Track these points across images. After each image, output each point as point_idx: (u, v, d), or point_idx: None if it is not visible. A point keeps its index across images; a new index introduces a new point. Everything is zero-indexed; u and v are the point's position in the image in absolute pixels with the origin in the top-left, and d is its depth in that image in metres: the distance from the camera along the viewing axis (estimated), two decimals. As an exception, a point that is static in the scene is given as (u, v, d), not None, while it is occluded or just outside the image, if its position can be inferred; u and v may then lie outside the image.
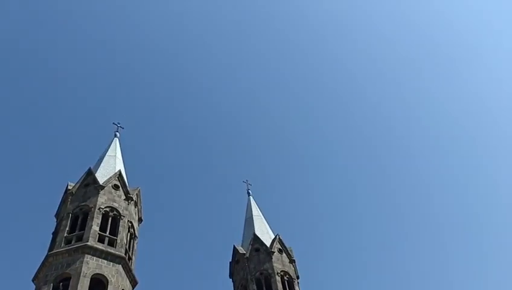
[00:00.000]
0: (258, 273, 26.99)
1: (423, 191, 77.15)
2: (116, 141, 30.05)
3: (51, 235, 22.75)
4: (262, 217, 32.57)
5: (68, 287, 18.48)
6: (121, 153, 29.15)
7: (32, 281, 20.29)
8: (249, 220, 31.92)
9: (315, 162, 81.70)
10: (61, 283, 18.84)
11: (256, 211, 32.86)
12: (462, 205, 76.18)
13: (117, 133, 30.96)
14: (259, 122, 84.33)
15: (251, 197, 34.91)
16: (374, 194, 79.15)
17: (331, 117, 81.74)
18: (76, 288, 18.31)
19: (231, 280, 29.01)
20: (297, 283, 27.54)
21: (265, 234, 30.10)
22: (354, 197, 79.44)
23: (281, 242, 29.23)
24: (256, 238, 29.06)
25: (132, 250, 22.94)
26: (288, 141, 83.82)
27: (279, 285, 26.12)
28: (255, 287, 26.29)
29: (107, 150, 28.68)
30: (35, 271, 20.25)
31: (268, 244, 28.53)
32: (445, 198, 76.11)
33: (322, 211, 79.33)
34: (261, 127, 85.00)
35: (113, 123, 31.61)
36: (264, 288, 26.18)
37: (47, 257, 20.14)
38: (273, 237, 29.72)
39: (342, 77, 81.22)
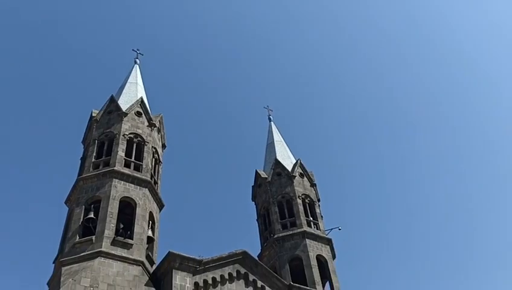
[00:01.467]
0: (279, 197, 27.69)
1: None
2: (137, 68, 29.95)
3: (80, 161, 23.52)
4: (284, 142, 32.82)
5: (99, 209, 19.42)
6: (142, 79, 29.17)
7: (65, 203, 21.33)
8: (271, 146, 32.25)
9: (336, 86, 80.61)
10: (92, 205, 19.77)
11: (277, 137, 33.08)
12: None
13: (137, 60, 30.78)
14: (280, 47, 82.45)
15: (272, 122, 35.00)
16: (395, 121, 78.52)
17: (352, 41, 79.37)
18: (107, 210, 19.21)
19: (254, 203, 29.90)
20: (318, 205, 28.25)
21: (287, 158, 30.49)
22: (375, 121, 79.04)
23: (302, 166, 29.65)
24: (277, 163, 29.52)
25: (157, 175, 23.63)
26: (309, 66, 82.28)
27: (301, 207, 26.85)
28: (276, 209, 27.08)
29: (128, 77, 28.69)
30: (67, 194, 21.26)
31: (289, 169, 28.99)
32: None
33: (343, 136, 79.52)
34: (282, 52, 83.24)
35: (133, 50, 31.37)
36: (286, 211, 26.96)
37: (77, 180, 21.00)
38: (294, 161, 30.09)
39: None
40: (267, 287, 20.18)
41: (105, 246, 17.98)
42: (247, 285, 19.86)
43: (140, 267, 18.16)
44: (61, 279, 16.21)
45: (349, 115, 79.59)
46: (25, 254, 63.92)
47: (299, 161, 29.82)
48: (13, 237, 63.82)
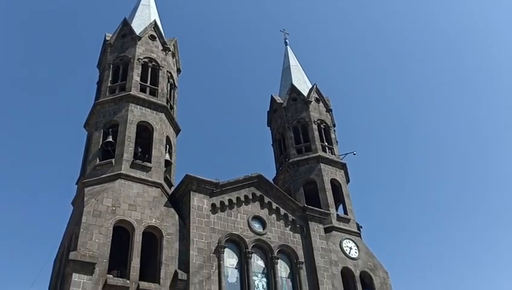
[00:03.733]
0: (295, 122, 27.74)
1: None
2: (149, -11, 29.00)
3: (96, 85, 23.60)
4: (300, 67, 32.27)
5: (117, 133, 19.77)
6: (155, 1, 28.35)
7: (84, 127, 21.73)
8: (286, 70, 31.77)
9: (356, 7, 77.58)
10: (110, 129, 20.11)
11: (293, 61, 32.48)
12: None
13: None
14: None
15: (288, 46, 34.24)
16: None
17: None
18: (125, 134, 19.55)
19: (269, 128, 30.07)
20: (334, 131, 28.30)
21: (303, 83, 30.14)
22: (397, 45, 76.72)
23: (318, 92, 29.36)
24: (293, 88, 29.25)
25: (173, 99, 23.70)
26: (327, -12, 78.77)
27: (316, 133, 26.95)
28: (292, 134, 27.25)
29: (140, -1, 27.88)
30: (86, 118, 21.59)
31: (305, 94, 28.75)
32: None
33: (360, 61, 77.77)
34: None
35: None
36: (301, 136, 27.12)
37: (94, 105, 21.22)
38: (310, 86, 29.77)
39: None
40: (281, 209, 20.82)
41: (125, 168, 18.52)
42: (262, 207, 20.49)
43: (159, 189, 18.77)
44: (85, 199, 16.91)
45: (369, 38, 77.29)
46: (49, 176, 66.40)
47: (315, 86, 29.48)
48: (38, 161, 66.00)
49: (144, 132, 20.60)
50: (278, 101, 29.20)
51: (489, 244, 66.21)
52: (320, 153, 25.89)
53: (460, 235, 68.11)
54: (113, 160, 18.80)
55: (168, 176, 20.24)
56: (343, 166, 26.17)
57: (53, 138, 67.07)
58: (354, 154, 27.18)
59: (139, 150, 20.30)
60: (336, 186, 25.05)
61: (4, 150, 63.23)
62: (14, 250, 61.49)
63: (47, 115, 66.94)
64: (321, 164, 25.31)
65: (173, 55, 25.14)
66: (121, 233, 16.88)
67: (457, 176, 71.19)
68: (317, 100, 28.89)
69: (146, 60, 22.99)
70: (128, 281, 15.50)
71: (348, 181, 26.09)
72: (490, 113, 71.43)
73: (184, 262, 16.88)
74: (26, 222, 63.58)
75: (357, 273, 21.43)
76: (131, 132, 19.74)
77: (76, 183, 19.80)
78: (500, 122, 69.30)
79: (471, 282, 65.88)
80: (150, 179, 18.76)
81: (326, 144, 26.95)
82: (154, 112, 21.10)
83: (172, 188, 20.09)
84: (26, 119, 64.80)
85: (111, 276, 15.59)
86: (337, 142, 27.75)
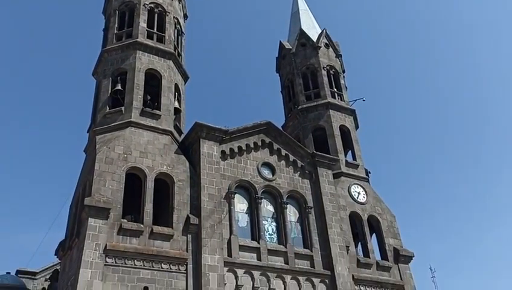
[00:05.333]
0: (304, 68, 27.38)
1: None
2: None
3: (102, 32, 23.26)
4: (309, 11, 31.39)
5: (126, 81, 19.72)
6: None
7: (93, 75, 21.66)
8: (295, 15, 30.96)
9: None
10: (119, 77, 20.04)
11: (302, 5, 31.56)
12: None
13: None
14: None
15: (297, -11, 33.16)
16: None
17: None
18: (133, 82, 19.50)
19: (278, 74, 29.75)
20: (343, 76, 27.96)
21: (312, 28, 29.44)
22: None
23: (327, 37, 28.72)
24: (302, 33, 28.62)
25: (180, 46, 23.38)
26: None
27: (325, 79, 26.64)
28: (301, 81, 26.99)
29: None
30: (94, 66, 21.47)
31: (314, 39, 28.16)
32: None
33: (369, 4, 75.50)
34: None
35: None
36: (310, 82, 26.84)
37: (102, 53, 21.01)
38: (319, 31, 29.10)
39: None
40: (290, 156, 20.99)
41: (135, 116, 18.61)
42: (271, 153, 20.67)
43: (169, 136, 18.94)
44: (97, 146, 17.15)
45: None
46: (62, 125, 67.10)
47: (324, 31, 28.81)
48: (49, 110, 66.49)
49: (153, 80, 20.51)
50: (286, 47, 28.70)
51: (493, 189, 66.86)
52: (330, 99, 25.73)
53: (465, 179, 68.69)
54: (122, 108, 18.88)
55: (177, 123, 20.35)
56: (352, 112, 26.07)
57: (63, 86, 67.13)
58: (364, 100, 27.03)
59: (148, 98, 20.31)
60: (344, 133, 25.08)
61: (18, 100, 63.63)
62: (33, 195, 63.35)
63: (58, 62, 66.68)
64: (330, 110, 25.21)
65: (179, 0, 24.54)
66: (134, 180, 17.23)
67: (463, 123, 70.82)
68: (326, 45, 28.33)
69: (152, 5, 22.48)
70: (142, 225, 16.00)
71: (357, 127, 26.08)
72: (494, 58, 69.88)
73: (195, 207, 17.31)
74: (44, 169, 65.03)
75: (364, 217, 21.87)
76: (139, 80, 19.67)
77: (88, 132, 20.01)
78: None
79: (474, 225, 67.10)
80: (159, 126, 18.89)
81: (335, 90, 26.71)
82: (162, 59, 20.90)
83: (182, 136, 20.25)
84: (39, 69, 64.69)
85: (125, 220, 16.09)
86: (346, 88, 27.49)
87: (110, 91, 19.65)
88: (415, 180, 70.76)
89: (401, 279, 20.77)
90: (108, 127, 18.32)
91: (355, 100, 26.86)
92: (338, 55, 28.61)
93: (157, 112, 19.32)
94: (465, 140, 71.07)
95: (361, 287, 19.42)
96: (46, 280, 25.67)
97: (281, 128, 22.34)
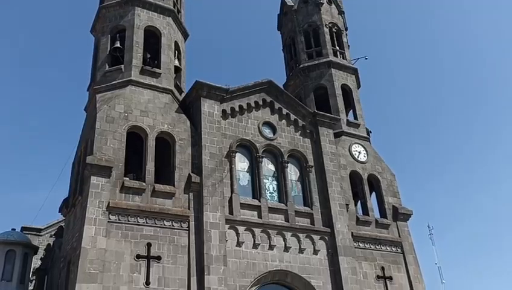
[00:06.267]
0: (306, 25, 26.87)
1: None
2: None
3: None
4: (312, -34, 30.49)
5: (125, 39, 19.40)
6: None
7: (91, 32, 21.29)
8: (298, -30, 30.10)
9: None
10: (117, 35, 19.70)
11: (305, -40, 30.62)
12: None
13: None
14: None
15: None
16: None
17: None
18: (132, 39, 19.19)
19: (279, 32, 29.23)
20: (346, 34, 27.49)
21: (314, -15, 28.66)
22: None
23: (330, -7, 28.02)
24: (304, -10, 27.89)
25: (180, 3, 22.86)
26: None
27: (327, 36, 26.20)
28: (302, 38, 26.56)
29: None
30: (92, 23, 21.07)
31: (317, -5, 27.47)
32: None
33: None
34: None
35: None
36: (312, 40, 26.41)
37: (99, 9, 20.53)
38: (322, -11, 28.30)
39: None
40: (291, 115, 20.92)
41: (135, 75, 18.42)
42: (272, 112, 20.60)
43: (169, 95, 18.82)
44: (97, 105, 17.07)
45: None
46: (63, 83, 66.67)
47: (327, -11, 28.05)
48: (49, 68, 65.85)
49: (152, 38, 20.17)
50: (288, 4, 28.07)
51: (494, 145, 67.09)
52: (332, 57, 25.40)
53: (464, 140, 68.80)
54: (122, 66, 18.66)
55: (177, 82, 20.18)
56: (354, 71, 25.79)
57: (62, 44, 66.22)
58: (366, 58, 26.69)
59: (148, 56, 20.04)
60: (346, 92, 24.91)
61: (18, 58, 62.92)
62: (36, 153, 63.73)
63: (57, 19, 65.51)
64: (332, 69, 24.93)
65: (178, -46, 23.76)
66: (135, 139, 17.26)
67: (462, 83, 70.24)
68: (329, 2, 27.69)
69: (150, -40, 21.76)
70: (144, 184, 16.15)
71: (358, 86, 25.87)
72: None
73: (197, 166, 17.41)
74: (46, 127, 65.13)
75: (365, 176, 22.05)
76: (139, 37, 19.35)
77: (88, 90, 19.88)
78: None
79: (473, 184, 67.73)
80: (160, 85, 18.74)
81: (337, 48, 26.33)
82: (161, 16, 20.47)
83: (183, 95, 20.12)
84: (38, 26, 63.61)
85: (127, 179, 16.23)
86: (348, 46, 27.08)
87: (109, 49, 19.37)
88: (415, 140, 70.93)
89: (399, 236, 21.16)
90: (108, 85, 18.17)
91: (358, 59, 26.57)
92: (341, 12, 28.02)
93: (157, 70, 19.11)
94: (465, 99, 70.70)
95: (360, 244, 19.80)
96: (51, 236, 26.23)
97: (282, 88, 22.16)
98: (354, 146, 22.70)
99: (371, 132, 24.53)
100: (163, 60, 19.52)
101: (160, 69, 19.20)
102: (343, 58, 26.07)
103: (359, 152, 22.65)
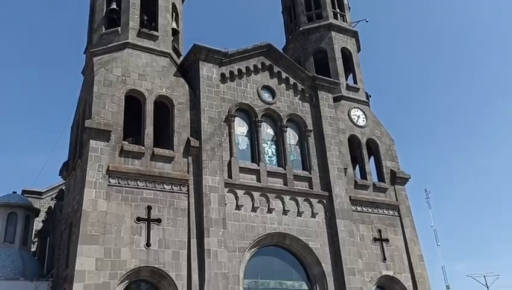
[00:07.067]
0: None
1: None
2: None
3: None
4: None
5: (121, 0, 18.93)
6: None
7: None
8: None
9: None
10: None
11: None
12: None
13: None
14: None
15: None
16: None
17: None
18: (129, 0, 18.77)
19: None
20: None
21: None
22: None
23: (331, -47, 27.19)
24: None
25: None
26: None
27: (328, -2, 25.65)
28: (302, 0, 25.83)
29: None
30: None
31: (317, -44, 26.69)
32: None
33: None
34: None
35: None
36: (312, 2, 25.73)
37: (95, -31, 20.04)
38: None
39: None
40: (291, 79, 20.74)
41: (132, 37, 18.13)
42: (271, 76, 20.42)
43: (167, 58, 18.58)
44: (94, 68, 16.88)
45: None
46: (61, 45, 65.72)
47: None
48: (46, 30, 64.80)
49: (149, -1, 19.73)
50: None
51: (489, 112, 67.06)
52: (332, 20, 24.95)
53: (461, 104, 68.63)
54: (119, 28, 18.34)
55: (175, 45, 19.88)
56: (354, 34, 25.40)
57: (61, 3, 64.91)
58: (367, 21, 26.21)
59: (145, 18, 19.66)
60: (346, 55, 24.61)
61: (16, 22, 61.79)
62: (35, 118, 63.57)
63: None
64: (332, 32, 24.54)
65: None
66: (133, 104, 17.16)
67: (460, 46, 69.42)
68: (329, -38, 26.92)
69: None
70: (143, 148, 16.18)
71: (358, 50, 25.54)
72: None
73: (196, 130, 17.40)
74: (44, 89, 64.67)
75: (363, 141, 22.09)
76: (135, -2, 18.91)
77: (84, 53, 19.60)
78: None
79: (472, 148, 68.03)
80: (157, 48, 18.48)
81: (338, 10, 25.83)
82: None
83: (181, 58, 19.87)
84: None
85: (126, 143, 16.25)
86: (349, 8, 26.55)
87: (105, 10, 18.99)
88: (415, 105, 70.71)
89: (396, 200, 21.40)
90: (105, 48, 17.90)
91: (358, 21, 26.11)
92: (341, -28, 27.29)
93: (155, 32, 18.80)
94: (461, 63, 70.06)
95: (358, 207, 20.05)
96: (52, 199, 26.49)
97: (281, 51, 21.89)
98: (353, 110, 22.63)
99: (370, 96, 24.41)
100: (161, 23, 19.16)
101: (157, 31, 18.89)
102: (343, 21, 25.62)
103: (358, 116, 22.60)
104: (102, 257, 13.90)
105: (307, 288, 17.82)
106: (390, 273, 19.50)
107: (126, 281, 14.40)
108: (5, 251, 18.39)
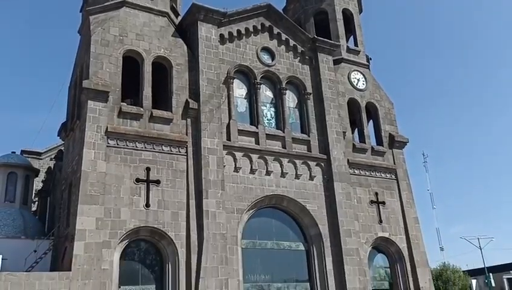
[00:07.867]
0: None
1: None
2: None
3: None
4: None
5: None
6: None
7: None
8: None
9: None
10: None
11: None
12: None
13: None
14: None
15: None
16: None
17: None
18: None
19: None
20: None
21: None
22: None
23: None
24: None
25: None
26: None
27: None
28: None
29: None
30: None
31: None
32: None
33: None
34: None
35: None
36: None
37: None
38: None
39: None
40: (291, 40, 20.44)
41: (129, -5, 17.71)
42: (271, 38, 20.12)
43: (165, 18, 18.22)
44: (91, 28, 16.56)
45: None
46: (56, 3, 64.29)
47: None
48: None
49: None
50: None
51: (489, 79, 66.57)
52: (333, -20, 24.34)
53: (461, 69, 68.02)
54: (115, -15, 17.87)
55: (173, 4, 19.45)
56: (356, -5, 24.84)
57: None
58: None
59: (142, -25, 19.09)
60: (347, 17, 24.16)
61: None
62: (31, 78, 63.04)
63: None
64: (334, -9, 23.98)
65: None
66: (131, 64, 16.95)
67: (462, 13, 68.14)
68: None
69: None
70: (141, 109, 16.11)
71: (360, 11, 25.07)
72: None
73: (194, 92, 17.28)
74: (40, 49, 63.83)
75: (363, 104, 22.00)
76: None
77: (81, 11, 19.19)
78: None
79: (470, 113, 67.94)
80: (155, 7, 18.08)
81: (340, -30, 25.13)
82: None
83: (179, 18, 19.49)
84: None
85: (125, 104, 16.16)
86: (352, -32, 25.84)
87: (101, -33, 18.43)
88: (415, 70, 70.04)
89: (394, 163, 21.53)
90: (101, 6, 17.47)
91: (361, -19, 25.44)
92: None
93: (152, -10, 18.34)
94: (461, 28, 68.93)
95: (356, 171, 20.19)
96: (51, 160, 26.58)
97: (281, 12, 21.47)
98: (353, 73, 22.43)
99: (371, 59, 24.13)
100: (159, -20, 18.66)
101: (155, -11, 18.41)
102: (345, -19, 24.99)
103: (358, 80, 22.42)
104: (102, 216, 14.09)
105: (303, 249, 18.17)
106: (386, 235, 19.86)
107: (126, 241, 14.66)
108: (6, 210, 18.62)
